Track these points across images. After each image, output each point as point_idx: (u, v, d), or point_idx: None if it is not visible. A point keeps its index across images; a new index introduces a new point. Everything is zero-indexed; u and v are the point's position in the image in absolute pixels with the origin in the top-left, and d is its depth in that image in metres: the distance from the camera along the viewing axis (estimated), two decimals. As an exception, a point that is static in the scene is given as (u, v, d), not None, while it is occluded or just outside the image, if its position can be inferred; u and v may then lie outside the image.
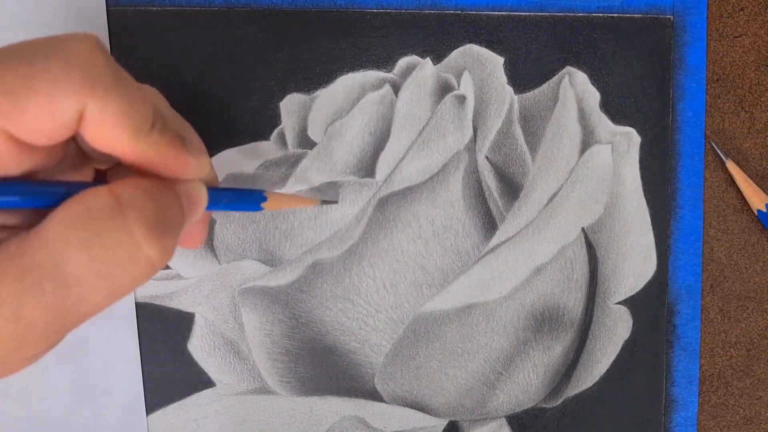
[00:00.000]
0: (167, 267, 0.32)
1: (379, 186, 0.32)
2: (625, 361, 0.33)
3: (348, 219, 0.32)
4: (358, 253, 0.32)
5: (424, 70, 0.32)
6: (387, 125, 0.32)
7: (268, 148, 0.32)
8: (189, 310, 0.32)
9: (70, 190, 0.21)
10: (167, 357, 0.32)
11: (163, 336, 0.32)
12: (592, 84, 0.33)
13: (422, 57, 0.32)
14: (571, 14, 0.32)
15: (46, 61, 0.19)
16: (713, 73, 0.33)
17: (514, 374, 0.33)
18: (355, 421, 0.33)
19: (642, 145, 0.33)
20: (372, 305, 0.32)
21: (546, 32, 0.32)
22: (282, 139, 0.32)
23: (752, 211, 0.33)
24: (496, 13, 0.32)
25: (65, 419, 0.31)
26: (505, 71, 0.32)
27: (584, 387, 0.33)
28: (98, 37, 0.21)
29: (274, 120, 0.32)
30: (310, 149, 0.32)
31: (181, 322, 0.32)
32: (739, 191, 0.33)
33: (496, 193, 0.33)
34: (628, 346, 0.33)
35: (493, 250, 0.33)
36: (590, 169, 0.33)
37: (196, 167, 0.23)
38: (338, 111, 0.32)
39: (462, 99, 0.32)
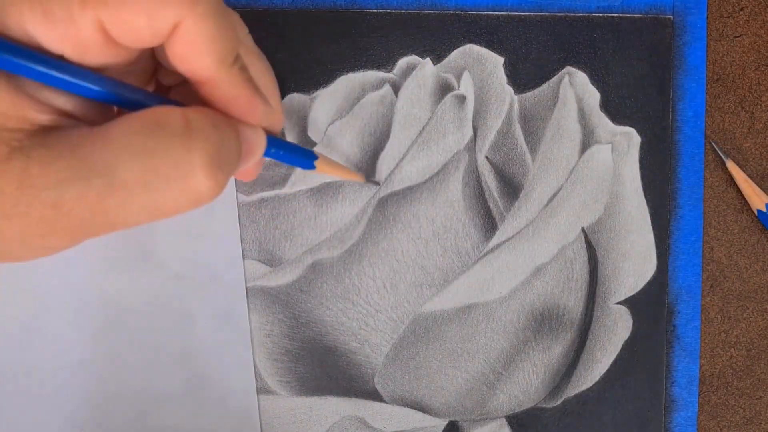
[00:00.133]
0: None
1: (379, 186, 0.32)
2: (625, 361, 0.33)
3: (348, 219, 0.32)
4: (358, 253, 0.32)
5: (424, 70, 0.32)
6: (387, 125, 0.32)
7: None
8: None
9: (144, 98, 0.22)
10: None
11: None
12: (592, 84, 0.33)
13: (422, 57, 0.32)
14: (571, 14, 0.32)
15: None
16: (713, 73, 0.33)
17: (514, 374, 0.33)
18: (355, 421, 0.33)
19: (642, 145, 0.33)
20: (372, 305, 0.32)
21: (546, 32, 0.32)
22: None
23: (752, 211, 0.33)
24: (496, 13, 0.32)
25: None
26: (505, 71, 0.32)
27: (584, 387, 0.33)
28: None
29: (274, 120, 0.32)
30: (310, 149, 0.32)
31: (181, 322, 0.32)
32: (739, 191, 0.33)
33: (496, 193, 0.33)
34: (628, 346, 0.33)
35: (493, 250, 0.33)
36: (590, 169, 0.33)
37: (262, 114, 0.23)
38: (338, 111, 0.32)
39: (462, 99, 0.32)
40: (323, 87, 0.32)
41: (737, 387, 0.34)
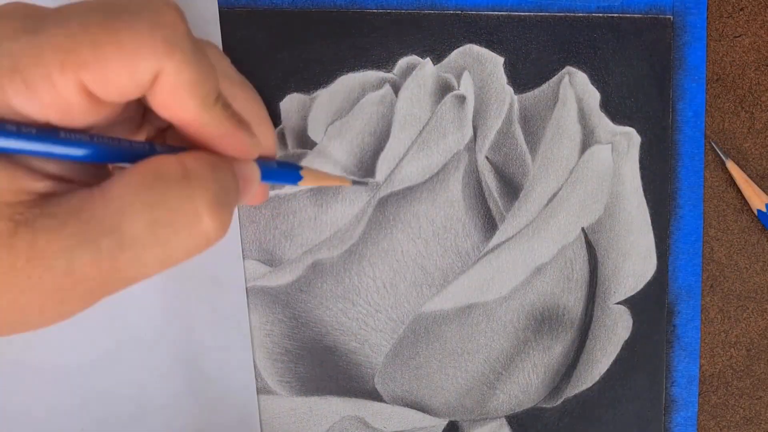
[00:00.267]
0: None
1: (379, 186, 0.32)
2: (625, 361, 0.33)
3: (348, 219, 0.32)
4: (358, 253, 0.32)
5: (424, 70, 0.32)
6: (387, 125, 0.32)
7: (268, 148, 0.32)
8: (189, 310, 0.32)
9: (135, 148, 0.22)
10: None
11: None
12: (592, 84, 0.33)
13: (422, 57, 0.32)
14: (571, 14, 0.32)
15: (132, 18, 0.20)
16: (713, 73, 0.33)
17: (514, 374, 0.33)
18: (355, 421, 0.33)
19: (642, 145, 0.33)
20: (372, 305, 0.32)
21: (546, 32, 0.32)
22: (282, 139, 0.32)
23: (752, 211, 0.33)
24: (496, 13, 0.32)
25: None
26: (505, 71, 0.32)
27: (584, 387, 0.33)
28: (178, 4, 0.21)
29: (274, 120, 0.32)
30: (310, 149, 0.32)
31: (181, 322, 0.32)
32: (739, 191, 0.33)
33: (496, 193, 0.33)
34: (628, 346, 0.33)
35: (493, 250, 0.33)
36: (590, 169, 0.33)
37: (250, 147, 0.23)
38: (338, 111, 0.32)
39: (462, 99, 0.32)
40: (323, 87, 0.32)
41: (737, 387, 0.34)
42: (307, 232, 0.32)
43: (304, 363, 0.32)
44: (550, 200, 0.33)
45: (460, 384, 0.33)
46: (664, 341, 0.33)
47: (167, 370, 0.32)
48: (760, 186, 0.33)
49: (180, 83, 0.20)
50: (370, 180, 0.32)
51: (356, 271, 0.32)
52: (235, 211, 0.32)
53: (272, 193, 0.32)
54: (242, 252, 0.32)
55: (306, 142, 0.32)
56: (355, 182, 0.31)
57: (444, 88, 0.32)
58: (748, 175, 0.33)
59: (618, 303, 0.33)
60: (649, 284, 0.33)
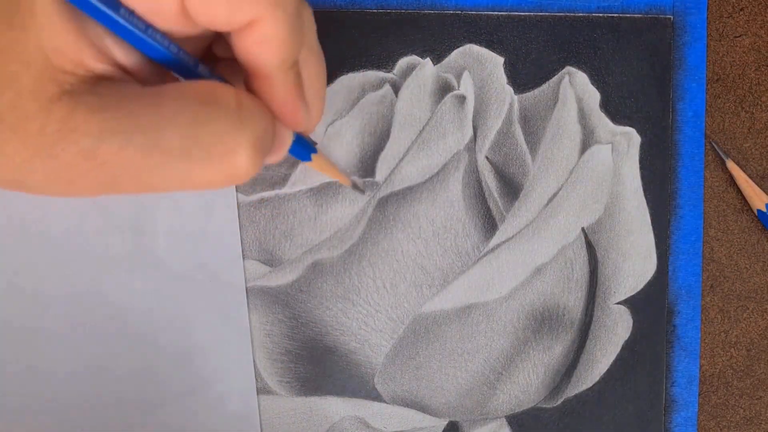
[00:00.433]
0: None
1: (379, 186, 0.32)
2: (625, 361, 0.33)
3: (348, 219, 0.32)
4: (358, 253, 0.32)
5: (424, 70, 0.32)
6: (387, 125, 0.32)
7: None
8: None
9: (201, 72, 0.22)
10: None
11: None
12: (592, 84, 0.33)
13: (422, 57, 0.32)
14: (571, 14, 0.32)
15: None
16: (713, 73, 0.33)
17: (514, 374, 0.33)
18: (355, 421, 0.33)
19: (642, 145, 0.33)
20: (372, 305, 0.32)
21: (546, 32, 0.32)
22: (282, 139, 0.32)
23: (752, 211, 0.33)
24: (496, 13, 0.32)
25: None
26: (505, 71, 0.32)
27: (584, 387, 0.33)
28: None
29: (274, 120, 0.32)
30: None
31: (181, 322, 0.32)
32: (739, 191, 0.33)
33: (496, 193, 0.33)
34: (628, 346, 0.33)
35: (493, 250, 0.33)
36: (590, 169, 0.33)
37: (301, 121, 0.24)
38: (338, 111, 0.32)
39: (462, 99, 0.32)
40: (323, 87, 0.32)
41: (737, 387, 0.34)
42: (307, 232, 0.32)
43: (304, 363, 0.32)
44: (550, 200, 0.33)
45: (460, 384, 0.33)
46: (664, 341, 0.33)
47: (167, 370, 0.32)
48: (760, 186, 0.33)
49: (271, 38, 0.20)
50: (368, 187, 0.32)
51: (356, 271, 0.32)
52: (236, 210, 0.32)
53: (272, 193, 0.32)
54: (242, 252, 0.32)
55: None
56: (354, 186, 0.31)
57: (444, 88, 0.32)
58: (748, 175, 0.33)
59: (618, 303, 0.33)
60: (649, 284, 0.33)
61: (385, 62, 0.32)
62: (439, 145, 0.32)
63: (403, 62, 0.32)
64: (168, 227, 0.31)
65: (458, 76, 0.32)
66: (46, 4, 0.19)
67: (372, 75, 0.32)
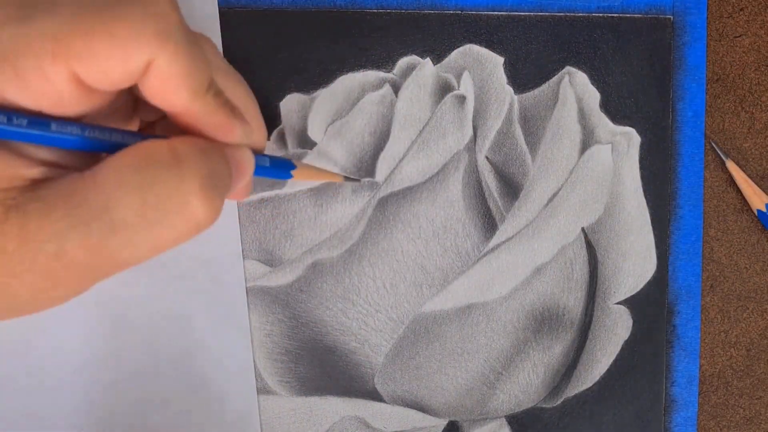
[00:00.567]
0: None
1: (379, 186, 0.32)
2: (625, 361, 0.33)
3: (348, 219, 0.32)
4: (358, 253, 0.32)
5: (424, 70, 0.32)
6: (387, 125, 0.32)
7: (268, 148, 0.32)
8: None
9: (127, 138, 0.22)
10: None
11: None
12: (592, 84, 0.33)
13: (422, 57, 0.32)
14: (571, 14, 0.32)
15: (125, 8, 0.20)
16: (713, 73, 0.33)
17: (514, 374, 0.33)
18: (355, 421, 0.33)
19: (642, 145, 0.33)
20: (372, 305, 0.32)
21: (546, 32, 0.32)
22: (282, 139, 0.32)
23: (752, 211, 0.33)
24: (496, 13, 0.32)
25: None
26: (505, 71, 0.32)
27: (584, 387, 0.33)
28: None
29: (274, 120, 0.32)
30: (310, 149, 0.32)
31: (181, 322, 0.32)
32: (739, 191, 0.33)
33: (496, 193, 0.33)
34: (628, 346, 0.33)
35: (493, 250, 0.33)
36: (590, 169, 0.33)
37: (241, 134, 0.23)
38: (338, 111, 0.32)
39: (462, 99, 0.32)
40: (323, 87, 0.32)
41: (737, 387, 0.34)
42: (307, 232, 0.32)
43: (304, 363, 0.32)
44: (550, 200, 0.33)
45: (460, 384, 0.33)
46: (664, 341, 0.33)
47: (167, 370, 0.32)
48: (760, 186, 0.33)
49: (172, 73, 0.20)
50: (364, 178, 0.32)
51: (356, 271, 0.32)
52: (236, 210, 0.32)
53: (272, 193, 0.32)
54: (242, 252, 0.32)
55: (306, 142, 0.32)
56: (347, 178, 0.31)
57: (444, 88, 0.32)
58: (748, 175, 0.33)
59: (618, 303, 0.33)
60: (649, 284, 0.33)
61: (385, 62, 0.32)
62: (439, 145, 0.32)
63: (403, 62, 0.32)
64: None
65: (458, 76, 0.32)
66: None
67: (372, 75, 0.32)
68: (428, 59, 0.32)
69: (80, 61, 0.19)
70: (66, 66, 0.19)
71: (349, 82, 0.32)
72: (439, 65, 0.32)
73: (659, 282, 0.33)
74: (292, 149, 0.32)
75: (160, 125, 0.26)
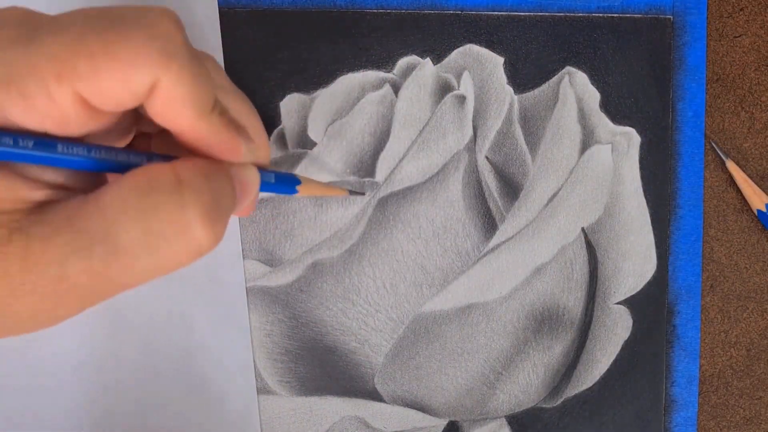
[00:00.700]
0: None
1: (379, 186, 0.32)
2: (625, 361, 0.33)
3: (348, 219, 0.32)
4: (358, 253, 0.32)
5: (424, 70, 0.32)
6: (387, 125, 0.32)
7: (268, 148, 0.32)
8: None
9: (132, 158, 0.22)
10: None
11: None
12: (592, 84, 0.33)
13: (422, 57, 0.32)
14: (571, 14, 0.32)
15: (129, 29, 0.20)
16: (713, 73, 0.33)
17: (514, 374, 0.33)
18: (355, 421, 0.33)
19: (642, 145, 0.33)
20: (372, 305, 0.32)
21: (546, 32, 0.32)
22: (282, 139, 0.32)
23: (752, 211, 0.33)
24: (496, 13, 0.32)
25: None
26: (505, 71, 0.32)
27: (584, 387, 0.33)
28: (177, 14, 0.21)
29: (274, 120, 0.32)
30: (310, 149, 0.32)
31: (181, 322, 0.32)
32: (739, 191, 0.33)
33: (496, 193, 0.33)
34: (628, 346, 0.33)
35: (493, 250, 0.33)
36: (590, 169, 0.33)
37: (247, 152, 0.24)
38: (338, 111, 0.32)
39: (462, 99, 0.32)
40: (323, 87, 0.32)
41: (737, 387, 0.34)
42: (307, 232, 0.32)
43: (304, 363, 0.32)
44: (550, 200, 0.33)
45: (460, 384, 0.33)
46: (664, 341, 0.33)
47: (166, 371, 0.32)
48: (760, 186, 0.33)
49: (177, 93, 0.20)
50: (368, 187, 0.32)
51: (356, 271, 0.32)
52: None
53: (272, 193, 0.32)
54: (242, 252, 0.32)
55: (306, 142, 0.32)
56: (352, 192, 0.31)
57: (444, 88, 0.32)
58: (748, 175, 0.33)
59: (618, 303, 0.33)
60: (649, 284, 0.33)
61: (385, 62, 0.32)
62: (439, 145, 0.32)
63: (403, 62, 0.32)
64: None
65: (458, 76, 0.32)
66: None
67: (372, 75, 0.32)
68: (428, 59, 0.32)
69: (85, 83, 0.19)
70: (71, 88, 0.19)
71: (349, 82, 0.32)
72: (439, 65, 0.32)
73: (659, 282, 0.33)
74: (292, 149, 0.32)
75: (158, 137, 0.26)
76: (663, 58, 0.33)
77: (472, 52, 0.32)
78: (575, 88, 0.33)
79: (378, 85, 0.32)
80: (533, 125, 0.33)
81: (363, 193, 0.32)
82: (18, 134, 0.20)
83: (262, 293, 0.32)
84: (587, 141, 0.33)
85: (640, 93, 0.33)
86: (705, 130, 0.33)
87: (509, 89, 0.32)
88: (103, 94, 0.20)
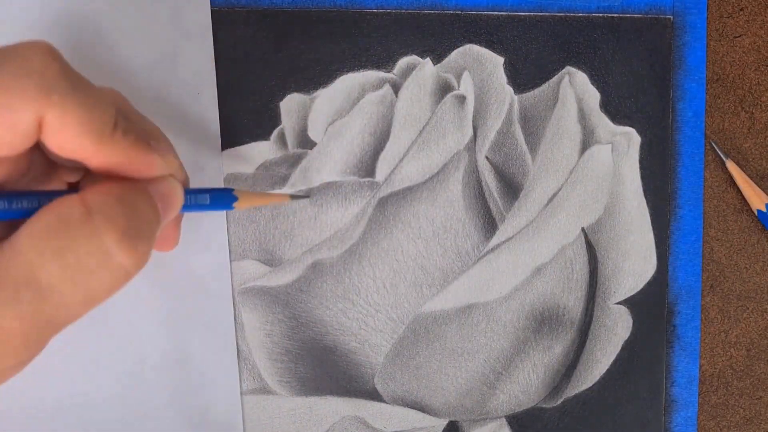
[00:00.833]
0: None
1: (379, 186, 0.32)
2: (625, 361, 0.33)
3: (348, 219, 0.32)
4: (358, 253, 0.32)
5: (424, 70, 0.32)
6: (387, 125, 0.32)
7: (268, 148, 0.32)
8: (189, 310, 0.32)
9: (43, 200, 0.21)
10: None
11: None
12: (592, 84, 0.33)
13: (422, 57, 0.32)
14: (571, 14, 0.32)
15: (0, 70, 0.19)
16: (713, 73, 0.33)
17: (514, 374, 0.33)
18: (355, 421, 0.33)
19: (642, 145, 0.33)
20: (372, 305, 0.32)
21: (546, 32, 0.32)
22: (282, 139, 0.32)
23: (752, 211, 0.33)
24: (496, 13, 0.32)
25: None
26: (505, 71, 0.32)
27: (584, 387, 0.33)
28: (51, 44, 0.20)
29: (274, 120, 0.32)
30: (310, 149, 0.32)
31: (181, 322, 0.32)
32: (739, 191, 0.33)
33: (496, 193, 0.33)
34: (628, 346, 0.33)
35: (493, 250, 0.33)
36: (590, 169, 0.33)
37: (162, 165, 0.23)
38: (338, 111, 0.32)
39: (462, 99, 0.32)
40: (323, 87, 0.32)
41: (737, 387, 0.34)
42: (307, 232, 0.32)
43: (304, 363, 0.32)
44: (550, 200, 0.33)
45: (460, 384, 0.33)
46: (664, 341, 0.33)
47: (153, 376, 0.32)
48: (760, 186, 0.33)
49: (67, 123, 0.20)
50: (368, 187, 0.32)
51: (356, 271, 0.32)
52: (224, 217, 0.32)
53: (273, 192, 0.32)
54: (234, 254, 0.32)
55: (306, 142, 0.32)
56: (293, 197, 0.31)
57: (444, 88, 0.32)
58: (748, 175, 0.33)
59: (618, 303, 0.33)
60: (649, 284, 0.33)
61: (385, 62, 0.32)
62: (439, 145, 0.32)
63: (403, 62, 0.32)
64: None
65: (458, 76, 0.32)
66: None
67: (372, 75, 0.32)
68: (428, 59, 0.32)
69: None
70: None
71: (349, 82, 0.32)
72: (439, 65, 0.32)
73: (659, 282, 0.33)
74: (292, 149, 0.32)
75: (89, 178, 0.25)
76: (663, 58, 0.33)
77: (472, 52, 0.32)
78: (575, 88, 0.33)
79: (378, 85, 0.32)
80: (533, 125, 0.33)
81: (307, 197, 0.32)
82: None
83: (262, 293, 0.32)
84: (587, 141, 0.33)
85: (640, 93, 0.33)
86: (705, 130, 0.33)
87: (509, 89, 0.32)
88: None
